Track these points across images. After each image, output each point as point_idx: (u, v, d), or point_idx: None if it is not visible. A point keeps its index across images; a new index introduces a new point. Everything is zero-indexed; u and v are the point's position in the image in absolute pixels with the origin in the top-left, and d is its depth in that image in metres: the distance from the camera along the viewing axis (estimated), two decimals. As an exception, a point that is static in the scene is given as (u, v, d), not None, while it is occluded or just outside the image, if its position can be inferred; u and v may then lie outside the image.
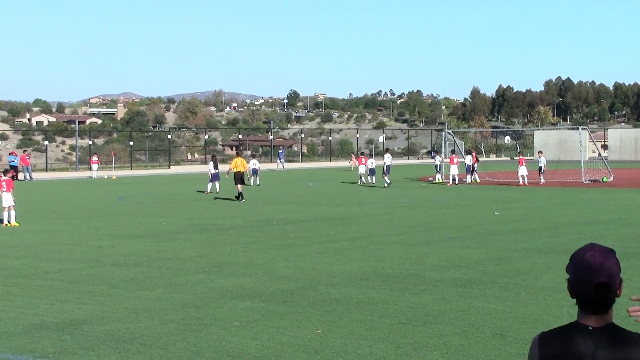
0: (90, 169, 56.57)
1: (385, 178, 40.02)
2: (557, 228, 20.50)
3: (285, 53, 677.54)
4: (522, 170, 40.62)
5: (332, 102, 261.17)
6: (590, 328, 3.11)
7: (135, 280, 13.13)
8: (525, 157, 43.76)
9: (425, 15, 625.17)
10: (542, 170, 42.22)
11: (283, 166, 68.18)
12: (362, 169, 43.62)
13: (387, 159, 41.44)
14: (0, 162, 72.76)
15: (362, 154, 47.19)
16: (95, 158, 56.30)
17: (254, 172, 43.02)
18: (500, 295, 11.48)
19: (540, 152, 45.88)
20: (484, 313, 10.25)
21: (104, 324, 9.89)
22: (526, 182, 40.30)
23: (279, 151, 73.44)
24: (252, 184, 41.41)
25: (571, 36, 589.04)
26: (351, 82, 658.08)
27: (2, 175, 23.09)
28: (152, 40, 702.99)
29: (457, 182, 42.22)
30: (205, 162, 68.55)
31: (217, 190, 35.69)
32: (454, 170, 42.21)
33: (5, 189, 22.42)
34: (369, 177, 43.29)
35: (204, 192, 36.28)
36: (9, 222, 22.33)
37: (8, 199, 22.34)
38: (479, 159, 46.40)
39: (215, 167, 36.46)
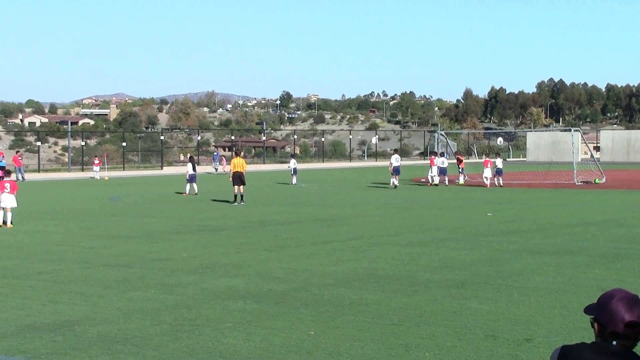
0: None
1: (394, 179, 39.89)
2: (549, 229, 20.54)
3: (278, 54, 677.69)
4: (487, 173, 40.67)
5: (325, 103, 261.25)
6: (614, 343, 3.25)
7: (127, 281, 13.10)
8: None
9: (418, 16, 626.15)
10: (500, 173, 42.16)
11: (216, 169, 63.46)
12: (434, 171, 42.82)
13: (395, 160, 40.68)
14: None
15: (435, 154, 45.94)
16: (97, 160, 56.21)
17: (294, 171, 45.03)
18: (492, 296, 11.49)
19: (498, 154, 46.16)
20: (476, 314, 10.27)
21: (96, 325, 9.87)
22: (488, 184, 40.38)
23: (214, 154, 69.61)
24: (292, 183, 44.27)
25: (563, 38, 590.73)
26: (344, 83, 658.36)
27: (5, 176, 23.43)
28: (144, 41, 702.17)
29: (437, 182, 42.55)
30: (198, 163, 68.48)
31: (196, 192, 35.52)
32: (434, 171, 42.52)
33: (8, 190, 22.47)
34: (436, 178, 42.81)
35: (182, 193, 36.00)
36: (4, 222, 22.33)
37: (11, 201, 22.38)
38: (462, 160, 46.42)
39: (194, 168, 36.18)
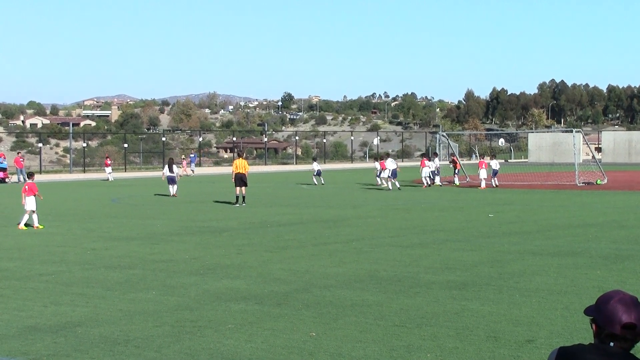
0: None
1: (395, 182, 40.01)
2: (550, 230, 20.53)
3: (279, 55, 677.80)
4: (482, 174, 40.84)
5: (327, 105, 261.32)
6: (612, 344, 3.26)
7: (129, 283, 13.10)
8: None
9: (420, 17, 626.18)
10: (496, 173, 42.43)
11: (193, 171, 62.47)
12: (425, 172, 43.10)
13: (391, 163, 41.13)
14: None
15: (425, 156, 46.39)
16: (109, 161, 56.17)
17: (318, 172, 45.60)
18: (494, 297, 11.49)
19: (494, 155, 46.40)
20: (478, 315, 10.26)
21: (98, 327, 9.87)
22: (483, 186, 40.55)
23: (191, 155, 67.57)
24: (316, 183, 44.68)
25: (565, 39, 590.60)
26: (345, 85, 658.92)
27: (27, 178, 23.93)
28: (146, 43, 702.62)
29: (430, 183, 42.97)
30: (199, 165, 68.56)
31: (174, 194, 35.46)
32: (425, 172, 42.83)
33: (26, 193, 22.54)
34: (437, 179, 43.44)
35: (168, 195, 35.80)
36: (26, 224, 22.32)
37: (32, 203, 22.44)
38: (457, 162, 46.74)
39: (171, 169, 36.14)
